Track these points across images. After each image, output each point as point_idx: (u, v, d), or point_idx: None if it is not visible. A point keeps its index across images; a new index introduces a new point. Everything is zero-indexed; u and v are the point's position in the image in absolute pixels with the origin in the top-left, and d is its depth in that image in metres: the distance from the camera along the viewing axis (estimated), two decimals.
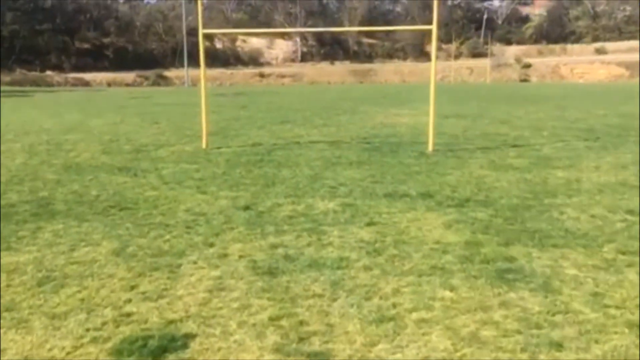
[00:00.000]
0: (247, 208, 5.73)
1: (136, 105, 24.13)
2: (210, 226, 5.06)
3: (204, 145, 10.57)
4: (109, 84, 59.46)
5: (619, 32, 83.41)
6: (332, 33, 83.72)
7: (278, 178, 7.43)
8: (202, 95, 10.70)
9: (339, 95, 33.79)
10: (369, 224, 5.08)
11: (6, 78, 54.90)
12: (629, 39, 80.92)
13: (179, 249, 4.42)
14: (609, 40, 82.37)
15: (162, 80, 63.54)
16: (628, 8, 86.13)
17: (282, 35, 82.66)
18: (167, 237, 4.75)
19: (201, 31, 10.22)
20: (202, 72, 10.55)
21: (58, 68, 64.11)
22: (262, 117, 17.82)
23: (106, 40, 72.26)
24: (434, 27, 9.59)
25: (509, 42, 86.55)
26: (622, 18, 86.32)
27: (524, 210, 5.58)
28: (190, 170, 8.12)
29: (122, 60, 67.85)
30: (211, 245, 4.52)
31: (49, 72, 62.00)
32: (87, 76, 61.02)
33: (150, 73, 64.19)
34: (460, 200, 6.00)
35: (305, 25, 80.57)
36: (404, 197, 6.18)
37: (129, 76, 62.89)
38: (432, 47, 9.68)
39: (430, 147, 9.90)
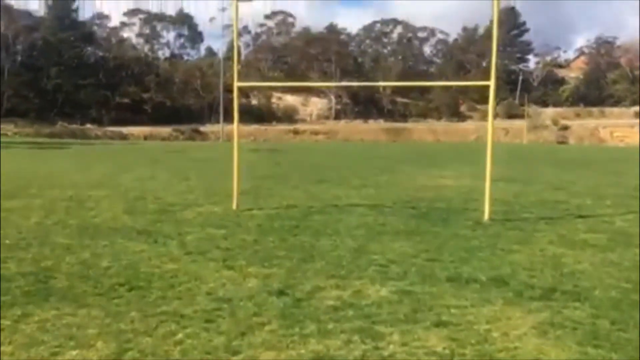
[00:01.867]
0: (281, 293, 4.68)
1: (169, 160, 23.65)
2: (236, 320, 4.02)
3: (234, 206, 9.68)
4: (145, 138, 60.04)
5: None
6: (366, 92, 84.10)
7: (317, 250, 6.42)
8: (235, 151, 9.88)
9: (374, 153, 32.99)
10: (437, 325, 3.97)
11: (46, 130, 55.95)
12: None
13: (192, 358, 3.38)
14: None
15: (197, 135, 64.03)
16: None
17: (317, 93, 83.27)
18: (180, 335, 3.71)
19: (236, 84, 9.55)
20: (235, 125, 9.80)
21: (97, 121, 65.30)
22: (297, 175, 17.00)
23: (146, 95, 73.77)
24: (491, 83, 8.70)
25: (545, 104, 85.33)
26: None
27: (631, 309, 4.42)
28: (217, 236, 7.18)
29: (159, 115, 68.88)
30: (235, 353, 3.47)
31: (88, 125, 63.10)
32: (125, 130, 61.86)
33: (186, 127, 64.85)
34: (544, 291, 4.86)
35: (338, 87, 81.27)
36: (471, 283, 5.08)
37: (166, 130, 63.55)
38: (490, 104, 8.76)
39: (486, 216, 8.81)
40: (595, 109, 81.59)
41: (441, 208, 10.11)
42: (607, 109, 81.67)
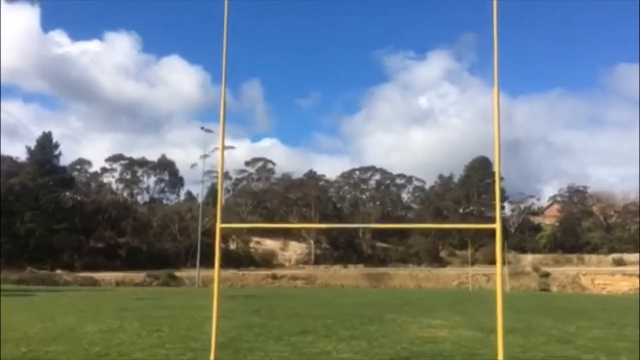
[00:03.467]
0: None
1: (140, 308, 22.04)
2: None
3: None
4: (117, 284, 57.90)
5: (634, 244, 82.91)
6: (345, 236, 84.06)
7: None
8: (214, 298, 8.81)
9: (357, 300, 31.60)
10: None
11: (14, 276, 53.63)
12: None
13: None
14: (625, 251, 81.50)
15: (172, 281, 62.04)
16: None
17: (297, 238, 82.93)
18: None
19: (219, 225, 8.76)
20: (216, 269, 8.83)
21: (69, 267, 63.28)
22: (278, 324, 15.68)
23: (121, 239, 72.59)
24: (497, 226, 8.04)
25: (523, 251, 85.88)
26: (636, 230, 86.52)
27: None
28: None
29: (134, 260, 67.32)
30: None
31: (58, 271, 60.94)
32: (97, 275, 59.78)
33: (161, 273, 63.01)
34: None
35: (319, 229, 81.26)
36: None
37: (139, 276, 61.60)
38: (497, 248, 8.03)
39: None
40: (573, 256, 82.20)
41: None
42: (586, 256, 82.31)
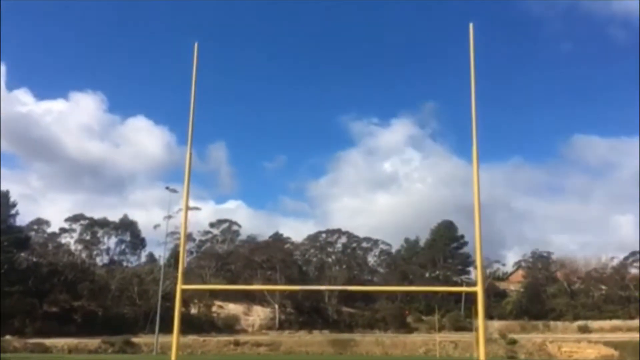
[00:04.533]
0: None
1: None
2: None
3: None
4: (70, 351, 54.86)
5: (599, 311, 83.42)
6: (311, 301, 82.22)
7: None
8: None
9: None
10: None
11: None
12: (610, 317, 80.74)
13: None
14: (590, 318, 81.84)
15: (129, 347, 59.08)
16: (603, 287, 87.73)
17: (261, 302, 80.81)
18: None
19: (179, 286, 8.06)
20: (175, 333, 8.01)
21: (19, 333, 59.82)
22: None
23: (76, 303, 69.36)
24: (478, 289, 7.55)
25: (490, 317, 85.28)
26: (600, 296, 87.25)
27: None
28: None
29: (90, 325, 64.19)
30: None
31: (7, 337, 57.44)
32: (49, 341, 56.53)
33: (118, 339, 60.04)
34: None
35: (283, 293, 79.47)
36: None
37: (94, 342, 58.51)
38: (479, 312, 7.50)
39: None
40: (539, 322, 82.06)
41: None
42: (552, 323, 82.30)
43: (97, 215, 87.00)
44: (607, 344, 68.11)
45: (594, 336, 72.96)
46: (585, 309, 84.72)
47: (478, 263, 7.78)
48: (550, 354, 68.80)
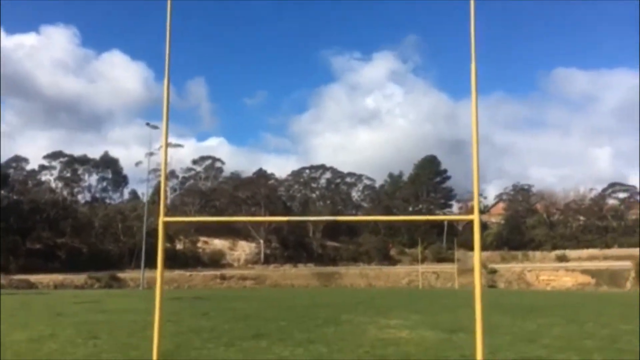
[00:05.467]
0: None
1: (77, 313, 20.37)
2: None
3: None
4: (56, 286, 55.01)
5: (576, 241, 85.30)
6: (296, 235, 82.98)
7: None
8: (157, 301, 7.64)
9: (309, 301, 30.67)
10: None
11: None
12: (587, 247, 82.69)
13: None
14: (568, 247, 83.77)
15: (115, 283, 59.47)
16: (582, 218, 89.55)
17: (246, 237, 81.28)
18: None
19: (162, 219, 7.64)
20: (159, 268, 7.68)
21: (4, 270, 59.72)
22: (229, 328, 14.58)
23: (60, 240, 69.21)
24: (475, 217, 7.25)
25: (471, 248, 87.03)
26: (578, 227, 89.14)
27: None
28: None
29: (74, 262, 64.25)
30: None
31: None
32: (34, 278, 56.62)
33: (103, 274, 60.32)
34: None
35: (268, 228, 79.89)
36: None
37: (80, 278, 58.75)
38: (475, 241, 7.23)
39: None
40: (519, 253, 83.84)
41: None
42: (531, 253, 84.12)
43: (76, 152, 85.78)
44: (584, 272, 70.21)
45: (571, 264, 74.97)
46: (564, 239, 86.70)
47: (475, 192, 7.46)
48: (529, 282, 70.82)
